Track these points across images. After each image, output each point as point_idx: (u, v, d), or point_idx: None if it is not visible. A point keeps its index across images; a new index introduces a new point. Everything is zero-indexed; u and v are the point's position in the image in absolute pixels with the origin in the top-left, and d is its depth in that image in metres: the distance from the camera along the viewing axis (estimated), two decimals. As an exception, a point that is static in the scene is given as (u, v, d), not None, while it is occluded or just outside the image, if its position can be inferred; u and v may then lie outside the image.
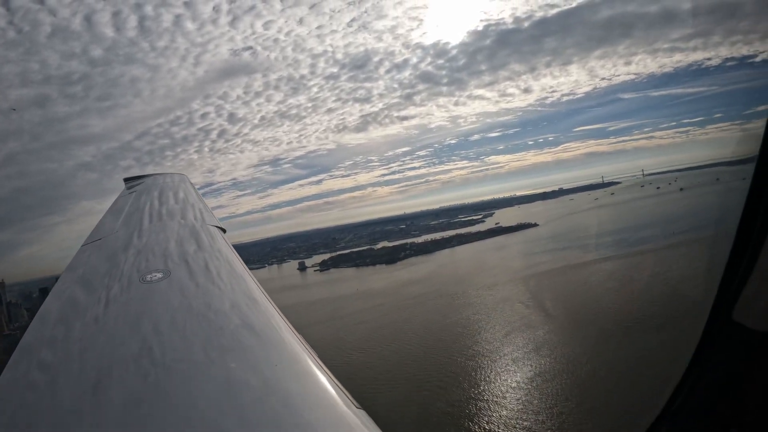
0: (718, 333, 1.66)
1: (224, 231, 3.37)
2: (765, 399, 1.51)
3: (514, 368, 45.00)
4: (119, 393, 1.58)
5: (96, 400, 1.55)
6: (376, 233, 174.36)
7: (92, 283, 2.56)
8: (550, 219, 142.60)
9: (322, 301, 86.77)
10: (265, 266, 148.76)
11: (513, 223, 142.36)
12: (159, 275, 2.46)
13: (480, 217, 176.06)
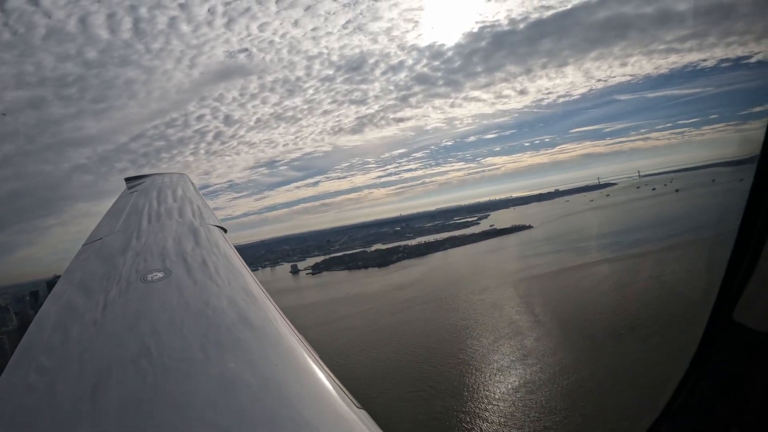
0: (719, 333, 1.67)
1: (225, 231, 3.34)
2: (766, 399, 1.51)
3: (502, 377, 44.02)
4: (120, 394, 1.58)
5: (96, 401, 1.55)
6: (371, 235, 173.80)
7: (93, 283, 2.56)
8: (545, 221, 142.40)
9: (311, 305, 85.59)
10: (258, 269, 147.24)
11: (508, 225, 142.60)
12: (160, 275, 2.47)
13: (475, 219, 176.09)
